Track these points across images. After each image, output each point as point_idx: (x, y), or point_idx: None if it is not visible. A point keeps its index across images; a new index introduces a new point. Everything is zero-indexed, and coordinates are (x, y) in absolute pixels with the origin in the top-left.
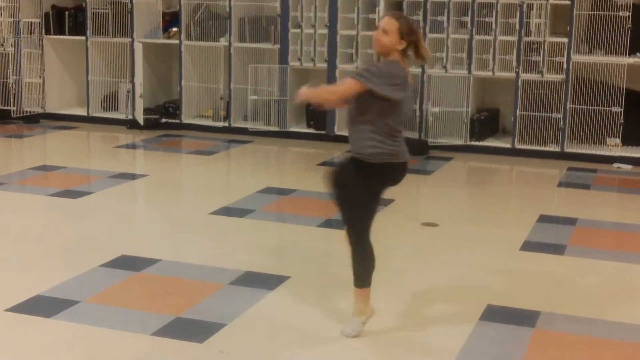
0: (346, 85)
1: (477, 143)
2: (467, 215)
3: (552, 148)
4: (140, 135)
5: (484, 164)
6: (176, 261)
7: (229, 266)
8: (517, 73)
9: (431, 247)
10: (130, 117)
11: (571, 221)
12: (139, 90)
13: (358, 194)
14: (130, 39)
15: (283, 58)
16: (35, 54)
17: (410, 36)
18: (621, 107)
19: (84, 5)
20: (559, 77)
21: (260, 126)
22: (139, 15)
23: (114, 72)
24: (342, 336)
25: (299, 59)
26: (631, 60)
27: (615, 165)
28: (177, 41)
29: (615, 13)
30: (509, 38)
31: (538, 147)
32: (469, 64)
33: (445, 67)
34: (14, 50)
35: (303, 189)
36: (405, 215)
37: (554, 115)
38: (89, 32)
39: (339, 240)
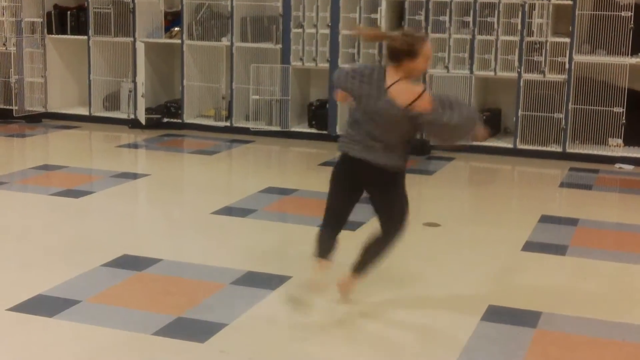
0: None
1: (478, 143)
2: (468, 216)
3: (554, 148)
4: (142, 135)
5: (486, 164)
6: (177, 261)
7: (230, 266)
8: (519, 73)
9: (433, 247)
10: (132, 116)
11: (573, 222)
12: (140, 89)
13: (330, 181)
14: (132, 39)
15: (285, 58)
16: (37, 53)
17: None
18: (623, 108)
19: (86, 4)
20: (561, 77)
21: (262, 126)
22: (141, 15)
23: (116, 72)
24: (343, 335)
25: (301, 59)
26: (633, 60)
27: (617, 165)
28: (179, 41)
29: (617, 13)
30: (511, 38)
31: (540, 147)
32: (471, 64)
33: (447, 67)
34: (16, 49)
35: (305, 188)
36: None
37: (555, 115)
38: (91, 32)
39: (340, 240)
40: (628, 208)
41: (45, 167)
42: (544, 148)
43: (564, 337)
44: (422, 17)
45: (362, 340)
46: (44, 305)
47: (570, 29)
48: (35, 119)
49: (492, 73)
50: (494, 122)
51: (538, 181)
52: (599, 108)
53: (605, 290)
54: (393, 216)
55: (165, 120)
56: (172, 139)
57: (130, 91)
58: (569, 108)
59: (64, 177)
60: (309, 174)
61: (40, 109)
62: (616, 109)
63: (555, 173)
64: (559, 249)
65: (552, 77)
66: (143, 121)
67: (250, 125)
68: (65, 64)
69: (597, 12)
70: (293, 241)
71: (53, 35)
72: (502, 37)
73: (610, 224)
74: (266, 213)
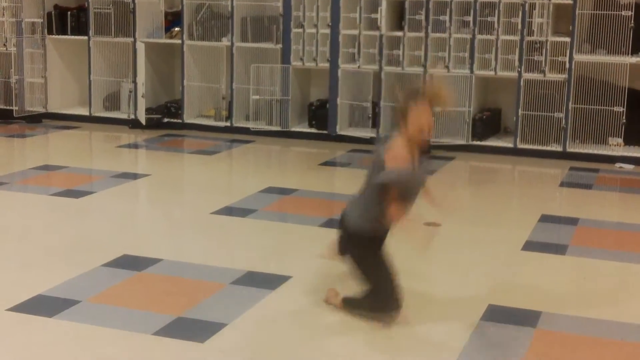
0: None
1: (479, 143)
2: (469, 215)
3: (554, 148)
4: (142, 135)
5: (486, 163)
6: (178, 261)
7: (230, 266)
8: (520, 72)
9: (433, 246)
10: (132, 116)
11: (573, 221)
12: (141, 90)
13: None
14: (132, 39)
15: (285, 58)
16: (38, 53)
17: None
18: (623, 107)
19: (86, 5)
20: (561, 76)
21: (262, 126)
22: (141, 15)
23: (116, 72)
24: (343, 335)
25: (301, 59)
26: (634, 59)
27: (618, 165)
28: (179, 41)
29: (617, 12)
30: (511, 37)
31: (540, 147)
32: (471, 64)
33: (447, 67)
34: (16, 50)
35: (305, 188)
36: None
37: (556, 114)
38: (91, 32)
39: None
40: (628, 207)
41: (46, 168)
42: (544, 147)
43: (564, 337)
44: (423, 17)
45: (361, 340)
46: (44, 306)
47: (571, 28)
48: (35, 119)
49: (492, 72)
50: (494, 121)
51: (538, 181)
52: (600, 107)
53: (605, 290)
54: (370, 291)
55: (166, 120)
56: (173, 139)
57: (130, 91)
58: (569, 107)
59: (64, 177)
60: (309, 173)
61: (41, 109)
62: (616, 109)
63: (555, 172)
64: (559, 249)
65: (552, 76)
66: (143, 121)
67: (251, 125)
68: (66, 64)
69: (598, 12)
70: (293, 241)
71: (53, 36)
72: (503, 37)
73: (611, 224)
74: (266, 213)
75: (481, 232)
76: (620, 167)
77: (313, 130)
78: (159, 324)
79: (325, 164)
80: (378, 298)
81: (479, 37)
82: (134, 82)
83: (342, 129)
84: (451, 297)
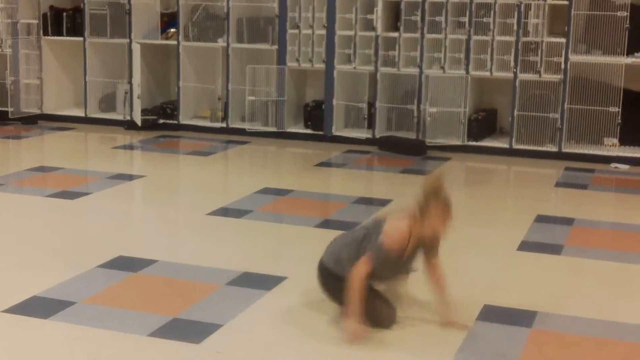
0: None
1: (474, 143)
2: (464, 216)
3: (550, 148)
4: (137, 136)
5: (482, 164)
6: (173, 262)
7: (226, 267)
8: (515, 73)
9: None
10: (128, 118)
11: (568, 221)
12: (136, 91)
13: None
14: (128, 40)
15: (281, 59)
16: (33, 55)
17: None
18: (619, 107)
19: (82, 6)
20: (557, 77)
21: (258, 127)
22: (137, 16)
23: (111, 73)
24: (337, 334)
25: (297, 60)
26: (629, 60)
27: (613, 165)
28: (175, 42)
29: (613, 13)
30: (507, 38)
31: (535, 147)
32: (467, 64)
33: (443, 68)
34: (11, 51)
35: (300, 189)
36: None
37: (551, 115)
38: (86, 33)
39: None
40: (623, 207)
41: (41, 169)
42: (540, 148)
43: (559, 337)
44: (418, 18)
45: (356, 344)
46: (39, 307)
47: (566, 29)
48: (31, 120)
49: (488, 73)
50: (490, 122)
51: (534, 181)
52: (595, 108)
53: (601, 290)
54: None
55: (161, 121)
56: (168, 140)
57: (126, 92)
58: (565, 108)
59: (60, 178)
60: (305, 174)
61: (36, 111)
62: (612, 109)
63: (550, 173)
64: (555, 249)
65: (547, 77)
66: (139, 122)
67: (246, 126)
68: (61, 65)
69: (593, 12)
70: (289, 242)
71: (49, 37)
72: (498, 38)
73: (606, 224)
74: (262, 214)
75: (477, 232)
76: (616, 167)
77: (309, 131)
78: (155, 325)
79: (321, 164)
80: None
81: (474, 37)
82: (130, 83)
83: (337, 130)
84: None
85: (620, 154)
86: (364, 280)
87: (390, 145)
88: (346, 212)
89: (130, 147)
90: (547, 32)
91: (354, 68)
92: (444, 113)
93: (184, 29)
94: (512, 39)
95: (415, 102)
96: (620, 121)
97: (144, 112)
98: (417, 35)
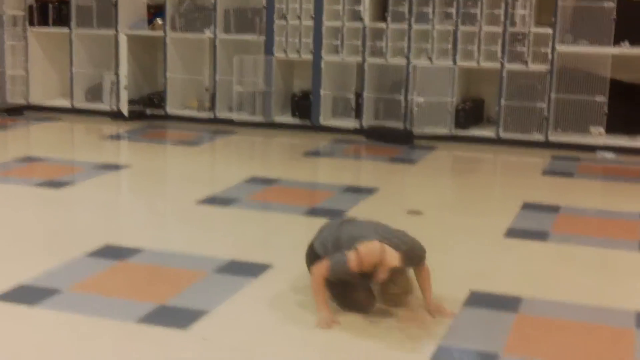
0: None
1: (461, 132)
2: (451, 204)
3: (537, 137)
4: (124, 127)
5: (469, 153)
6: (160, 250)
7: (213, 255)
8: (502, 63)
9: (416, 235)
10: (115, 108)
11: (555, 209)
12: (123, 81)
13: None
14: (114, 31)
15: (268, 49)
16: (19, 46)
17: None
18: (605, 97)
19: None
20: (544, 67)
21: (245, 117)
22: (124, 7)
23: (98, 64)
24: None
25: (284, 51)
26: (616, 50)
27: (599, 153)
28: (162, 33)
29: (600, 4)
30: (494, 29)
31: (522, 136)
32: (454, 55)
33: (430, 58)
34: None
35: (288, 178)
36: (390, 203)
37: (538, 104)
38: (73, 24)
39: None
40: (609, 195)
41: (28, 159)
42: (527, 137)
43: (545, 322)
44: (406, 9)
45: (343, 327)
46: (25, 295)
47: (553, 19)
48: (17, 111)
49: (475, 64)
50: (477, 111)
51: (521, 169)
52: (581, 97)
53: (586, 276)
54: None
55: (148, 112)
56: (155, 131)
57: (112, 83)
58: (552, 97)
59: (46, 168)
60: (293, 163)
61: (22, 102)
62: (598, 98)
63: (537, 161)
64: (541, 236)
65: (534, 67)
66: (126, 113)
67: (234, 116)
68: (47, 56)
69: (580, 3)
70: (276, 230)
71: (35, 28)
72: (486, 28)
73: (592, 211)
74: (249, 202)
75: (463, 220)
76: (602, 156)
77: (296, 121)
78: (141, 312)
79: (309, 154)
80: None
81: (462, 28)
82: (117, 74)
83: (325, 120)
84: (434, 283)
85: (606, 142)
86: (321, 281)
87: (377, 135)
88: (333, 200)
89: (117, 138)
90: (534, 23)
91: (342, 59)
92: (432, 103)
93: (171, 20)
94: (500, 29)
95: (403, 92)
96: (606, 110)
97: (130, 102)
98: (405, 26)
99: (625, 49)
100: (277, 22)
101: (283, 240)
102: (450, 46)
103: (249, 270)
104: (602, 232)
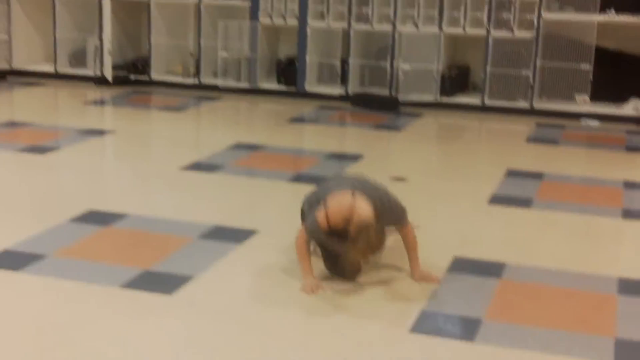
0: None
1: (447, 100)
2: (436, 170)
3: (522, 104)
4: (108, 92)
5: (454, 120)
6: (145, 215)
7: (198, 220)
8: (488, 30)
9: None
10: (99, 73)
11: (539, 176)
12: (107, 46)
13: None
14: None
15: (253, 14)
16: (2, 9)
17: None
18: (590, 64)
19: None
20: (530, 34)
21: (231, 83)
22: None
23: (81, 28)
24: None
25: (270, 16)
26: (601, 17)
27: (583, 121)
28: None
29: None
30: None
31: (507, 104)
32: (440, 21)
33: (416, 25)
34: None
35: (273, 144)
36: (374, 170)
37: (523, 72)
38: None
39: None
40: (593, 162)
41: (11, 124)
42: (512, 104)
43: (528, 287)
44: None
45: (327, 294)
46: (9, 260)
47: None
48: (0, 76)
49: (461, 30)
50: (463, 78)
51: (505, 137)
52: (567, 65)
53: (569, 242)
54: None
55: (133, 77)
56: (140, 96)
57: (96, 48)
58: (537, 65)
59: (30, 133)
60: (278, 130)
61: (5, 66)
62: (583, 66)
63: (522, 129)
64: (525, 202)
65: (520, 34)
66: (110, 78)
67: (219, 82)
68: (30, 20)
69: None
70: (261, 196)
71: None
72: None
73: (575, 178)
74: (234, 168)
75: (448, 186)
76: (586, 123)
77: (282, 88)
78: (126, 277)
79: (294, 120)
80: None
81: None
82: (100, 38)
83: (310, 86)
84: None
85: (591, 110)
86: (303, 245)
87: (363, 102)
88: (318, 167)
89: (102, 103)
90: None
91: (328, 24)
92: (417, 70)
93: None
94: None
95: (389, 58)
96: (591, 78)
97: (115, 67)
98: None
99: (611, 17)
100: None
101: (268, 206)
102: (436, 12)
103: (234, 236)
104: (586, 199)
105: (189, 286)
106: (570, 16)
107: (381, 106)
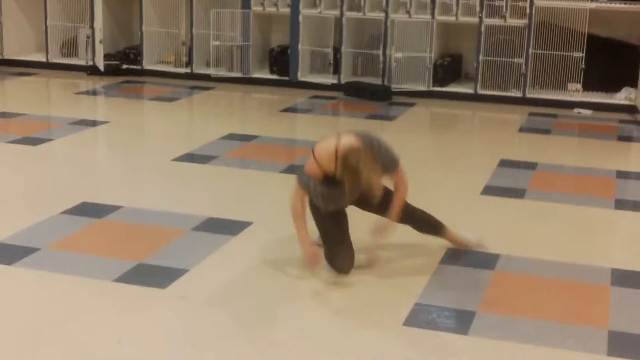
0: None
1: (440, 89)
2: (429, 161)
3: (514, 93)
4: (100, 82)
5: (447, 109)
6: (138, 208)
7: (191, 212)
8: (481, 18)
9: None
10: (91, 63)
11: (531, 165)
12: (99, 35)
13: None
14: None
15: (245, 2)
16: None
17: None
18: (583, 52)
19: None
20: (522, 22)
21: (223, 72)
22: None
23: (73, 18)
24: (304, 280)
25: (262, 4)
26: (593, 5)
27: (576, 110)
28: None
29: None
30: None
31: (500, 93)
32: (433, 9)
33: (408, 12)
34: None
35: (266, 135)
36: None
37: (516, 60)
38: None
39: None
40: (586, 152)
41: (3, 115)
42: (504, 93)
43: (521, 279)
44: None
45: (322, 285)
46: (3, 253)
47: None
48: None
49: (453, 18)
50: (455, 67)
51: (498, 126)
52: (559, 53)
53: (563, 233)
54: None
55: (125, 66)
56: (132, 86)
57: (88, 37)
58: (530, 53)
59: (22, 124)
60: (271, 120)
61: None
62: (576, 54)
63: (515, 118)
64: (518, 193)
65: (513, 22)
66: (102, 68)
67: (211, 71)
68: (22, 9)
69: None
70: (254, 187)
71: None
72: None
73: (568, 168)
74: (228, 159)
75: (441, 176)
76: (579, 113)
77: (274, 77)
78: (120, 270)
79: (287, 110)
80: (326, 256)
81: None
82: (92, 27)
83: (303, 75)
84: (410, 242)
85: (584, 99)
86: (298, 203)
87: (355, 91)
88: None
89: (94, 93)
90: None
91: (320, 12)
92: (410, 58)
93: None
94: None
95: (381, 47)
96: (584, 66)
97: (106, 57)
98: None
99: (603, 4)
100: None
101: (261, 197)
102: (428, 0)
103: (228, 227)
104: (579, 189)
105: (183, 280)
106: (562, 3)
107: (374, 95)
